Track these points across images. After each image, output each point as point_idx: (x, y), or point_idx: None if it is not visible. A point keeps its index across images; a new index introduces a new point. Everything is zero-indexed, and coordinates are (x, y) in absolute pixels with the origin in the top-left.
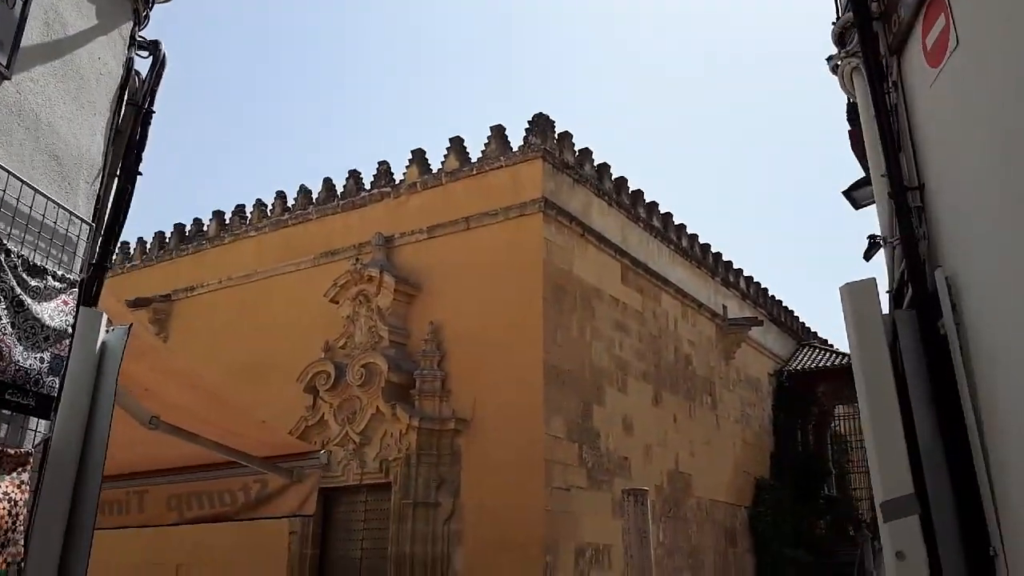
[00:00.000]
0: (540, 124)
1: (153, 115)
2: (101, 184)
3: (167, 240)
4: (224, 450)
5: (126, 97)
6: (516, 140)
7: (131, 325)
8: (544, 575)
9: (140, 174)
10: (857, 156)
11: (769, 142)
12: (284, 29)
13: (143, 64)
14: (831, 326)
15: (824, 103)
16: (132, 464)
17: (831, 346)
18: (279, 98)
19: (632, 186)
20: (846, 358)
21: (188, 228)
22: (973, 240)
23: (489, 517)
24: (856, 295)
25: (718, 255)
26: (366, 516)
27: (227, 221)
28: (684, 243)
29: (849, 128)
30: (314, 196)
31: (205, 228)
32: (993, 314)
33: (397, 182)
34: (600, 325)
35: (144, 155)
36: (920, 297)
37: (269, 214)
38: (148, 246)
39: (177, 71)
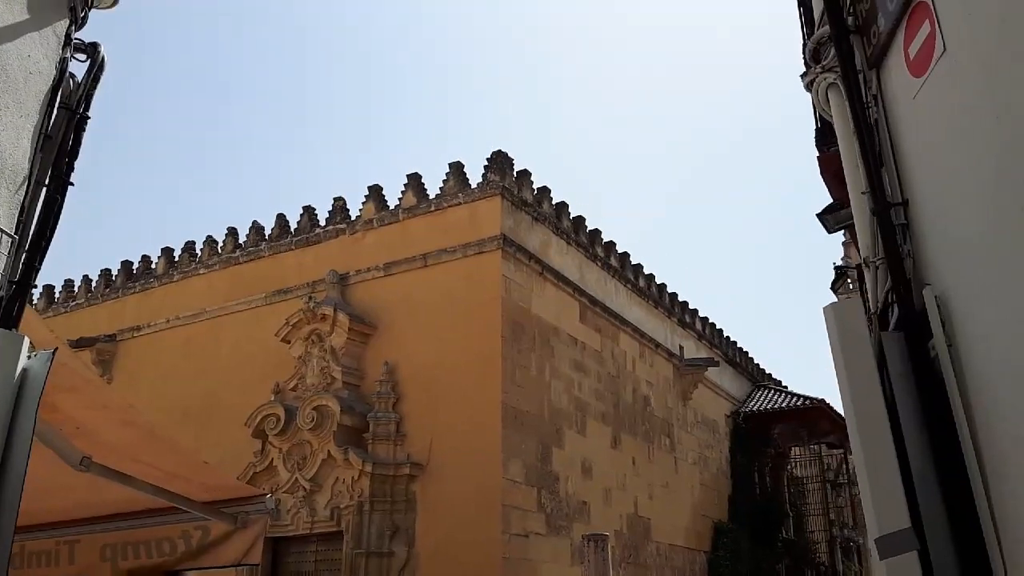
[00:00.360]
0: (499, 161)
1: (88, 120)
2: (26, 193)
3: (113, 278)
4: (163, 494)
5: (59, 100)
6: (475, 178)
7: (56, 350)
8: None
9: (72, 184)
10: (826, 182)
11: (725, 185)
12: (238, 61)
13: (81, 70)
14: (784, 368)
15: (781, 146)
16: (63, 511)
17: (785, 387)
18: (232, 133)
19: (590, 225)
20: (801, 399)
21: (136, 266)
22: (963, 255)
23: (445, 566)
24: (841, 316)
25: (674, 295)
26: (316, 567)
27: (176, 258)
28: (641, 282)
29: (818, 154)
30: (267, 232)
31: (153, 266)
32: (986, 331)
33: (353, 218)
34: (559, 364)
35: (77, 164)
36: (908, 317)
37: (220, 251)
38: (94, 284)
39: (127, 102)
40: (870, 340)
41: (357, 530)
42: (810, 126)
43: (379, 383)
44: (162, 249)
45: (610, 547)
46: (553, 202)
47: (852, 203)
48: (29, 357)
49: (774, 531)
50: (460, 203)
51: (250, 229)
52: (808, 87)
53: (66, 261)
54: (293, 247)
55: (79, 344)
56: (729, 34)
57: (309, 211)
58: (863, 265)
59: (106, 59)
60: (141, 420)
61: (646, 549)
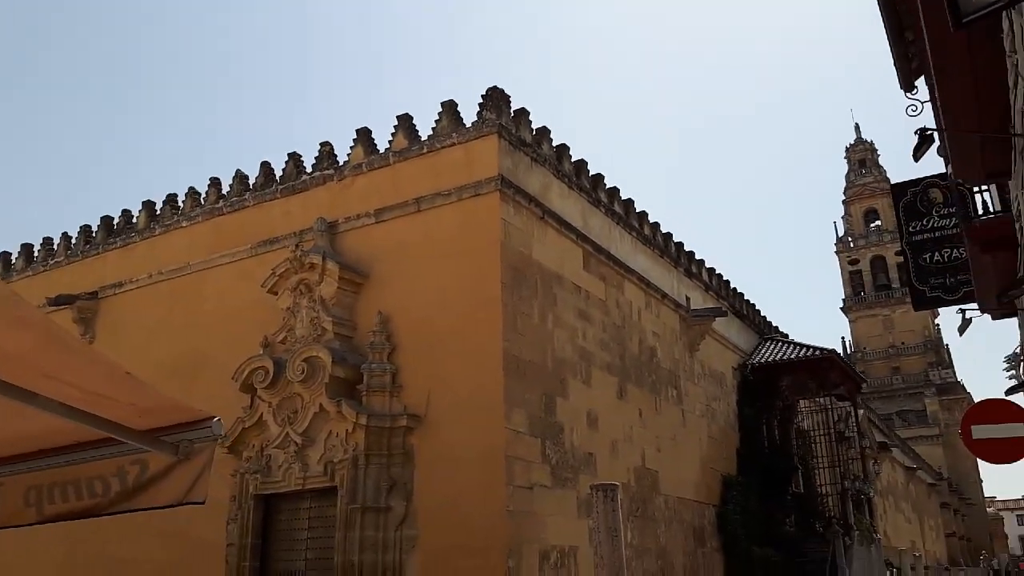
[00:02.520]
0: (495, 99)
1: None
2: None
3: (94, 234)
4: (82, 417)
5: None
6: (469, 118)
7: None
8: None
9: None
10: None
11: (734, 139)
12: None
13: None
14: (790, 320)
15: (793, 98)
16: None
17: (792, 339)
18: (213, 78)
19: (592, 170)
20: (810, 350)
21: (116, 221)
22: None
23: (446, 520)
24: None
25: (680, 245)
26: (310, 524)
27: (158, 212)
28: (647, 231)
29: None
30: (251, 181)
31: (134, 220)
32: None
33: (341, 164)
34: (562, 313)
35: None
36: None
37: (203, 202)
38: (73, 241)
39: (107, 49)
40: None
41: (352, 485)
42: (830, 72)
43: (372, 333)
44: (143, 202)
45: (619, 498)
46: (553, 144)
47: None
48: None
49: (783, 484)
50: (454, 143)
51: (233, 179)
52: None
53: (45, 219)
54: (279, 195)
55: (58, 302)
56: None
57: (295, 158)
58: None
59: None
60: (37, 318)
61: (654, 502)
